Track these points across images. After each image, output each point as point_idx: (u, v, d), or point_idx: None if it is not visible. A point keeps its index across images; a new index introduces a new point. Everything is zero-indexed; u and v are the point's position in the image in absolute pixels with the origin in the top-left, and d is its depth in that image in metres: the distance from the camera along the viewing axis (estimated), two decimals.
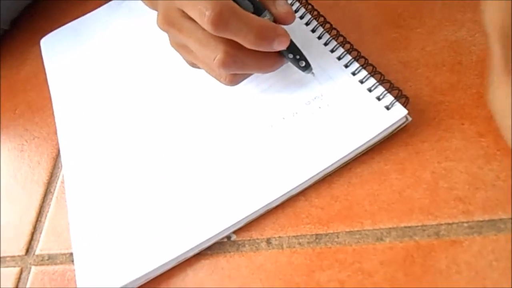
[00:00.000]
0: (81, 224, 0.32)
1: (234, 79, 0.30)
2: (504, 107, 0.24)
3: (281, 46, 0.28)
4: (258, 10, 0.28)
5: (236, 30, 0.27)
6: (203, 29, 0.27)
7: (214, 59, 0.28)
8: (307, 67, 0.30)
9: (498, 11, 0.23)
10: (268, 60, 0.29)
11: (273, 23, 0.28)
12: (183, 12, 0.28)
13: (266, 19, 0.28)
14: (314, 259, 0.27)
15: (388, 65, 0.31)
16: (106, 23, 0.41)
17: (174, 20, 0.29)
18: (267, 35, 0.27)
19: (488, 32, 0.24)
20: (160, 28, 0.30)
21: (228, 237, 0.29)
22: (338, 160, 0.28)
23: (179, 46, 0.31)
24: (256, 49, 0.28)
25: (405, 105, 0.28)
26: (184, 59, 0.33)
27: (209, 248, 0.29)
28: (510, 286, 0.22)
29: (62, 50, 0.45)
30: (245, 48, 0.28)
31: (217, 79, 0.30)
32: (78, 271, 0.30)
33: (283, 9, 0.29)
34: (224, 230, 0.28)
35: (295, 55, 0.29)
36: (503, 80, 0.24)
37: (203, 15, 0.26)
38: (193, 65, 0.33)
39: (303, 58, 0.30)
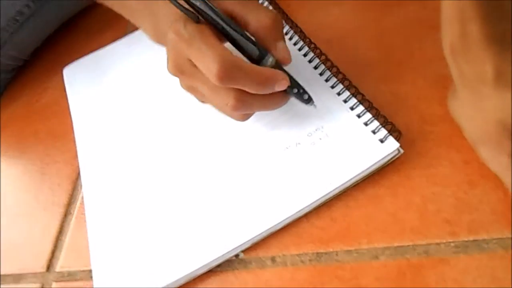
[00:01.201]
0: (100, 243, 0.35)
1: (245, 117, 0.34)
2: (462, 111, 0.29)
3: (282, 88, 0.31)
4: (262, 54, 0.31)
5: (240, 81, 0.30)
6: None
7: (226, 105, 0.31)
8: (309, 101, 0.33)
9: (445, 34, 0.27)
10: (274, 99, 0.32)
11: (273, 70, 0.31)
12: (192, 61, 0.31)
13: (266, 68, 0.31)
14: (315, 275, 0.29)
15: (382, 98, 0.34)
16: (126, 54, 0.44)
17: (184, 68, 0.31)
18: (267, 82, 0.30)
19: (444, 52, 0.28)
20: (171, 74, 0.33)
21: (237, 255, 0.32)
22: (337, 188, 0.31)
23: (191, 89, 0.34)
24: (260, 93, 0.31)
25: (397, 139, 0.31)
26: (197, 98, 0.36)
27: (218, 265, 0.32)
28: None
29: (84, 79, 0.49)
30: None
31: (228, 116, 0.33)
32: (96, 286, 0.32)
33: (283, 52, 0.32)
34: (233, 249, 0.31)
35: (298, 90, 0.33)
36: (459, 89, 0.28)
37: (209, 70, 0.29)
38: (206, 103, 0.36)
39: (305, 92, 0.33)
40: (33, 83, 0.56)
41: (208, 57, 0.29)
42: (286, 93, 0.32)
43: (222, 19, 0.31)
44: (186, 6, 0.30)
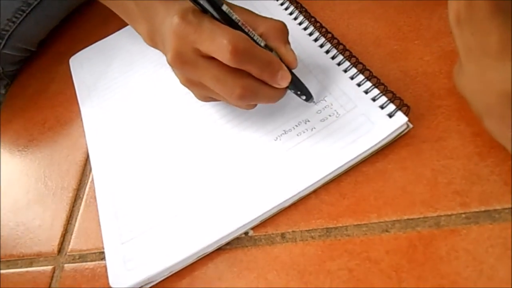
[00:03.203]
0: (111, 224, 0.35)
1: (250, 107, 0.34)
2: (467, 84, 0.28)
3: (283, 81, 0.31)
4: (267, 48, 0.31)
5: (252, 60, 0.30)
6: (219, 66, 0.30)
7: (232, 94, 0.31)
8: (308, 99, 0.34)
9: (451, 4, 0.27)
10: (277, 90, 0.32)
11: (278, 59, 0.31)
12: (197, 49, 0.30)
13: (274, 54, 0.31)
14: (325, 250, 0.29)
15: (390, 74, 0.34)
16: (131, 43, 0.45)
17: (187, 59, 0.31)
18: (274, 66, 0.30)
19: (450, 22, 0.27)
20: (172, 66, 0.32)
21: (246, 232, 0.32)
22: (346, 163, 0.30)
23: (192, 83, 0.34)
24: (263, 79, 0.31)
25: (406, 113, 0.31)
26: (196, 94, 0.35)
27: (228, 243, 0.32)
28: (505, 270, 0.24)
29: (90, 68, 0.49)
30: (258, 82, 0.31)
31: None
32: (109, 266, 0.33)
33: (290, 55, 0.32)
34: (242, 226, 0.31)
35: (297, 91, 0.33)
36: (464, 62, 0.28)
37: (222, 48, 0.29)
38: (206, 99, 0.36)
39: (304, 92, 0.33)
40: (40, 73, 0.56)
41: (220, 35, 0.29)
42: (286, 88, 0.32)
43: (232, 18, 0.30)
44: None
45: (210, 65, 0.30)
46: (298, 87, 0.33)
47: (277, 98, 0.33)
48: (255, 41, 0.30)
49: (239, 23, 0.30)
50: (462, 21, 0.27)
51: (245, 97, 0.31)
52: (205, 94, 0.34)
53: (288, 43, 0.32)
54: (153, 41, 0.35)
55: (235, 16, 0.30)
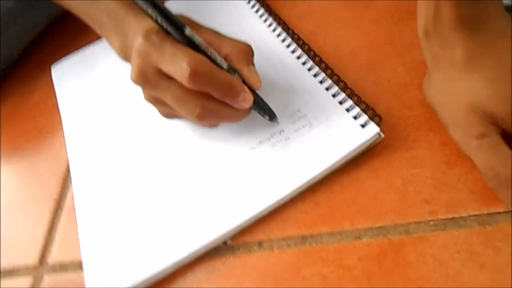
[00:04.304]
0: (89, 235, 0.35)
1: (212, 125, 0.35)
2: (434, 95, 0.30)
3: (245, 102, 0.32)
4: (230, 70, 0.32)
5: (211, 83, 0.30)
6: (180, 86, 0.31)
7: (192, 114, 0.31)
8: (271, 119, 0.34)
9: (420, 17, 0.29)
10: (238, 111, 0.33)
11: (240, 82, 0.32)
12: (159, 69, 0.31)
13: (236, 76, 0.32)
14: (300, 258, 0.30)
15: (364, 86, 0.35)
16: (112, 52, 0.44)
17: (149, 77, 0.31)
18: (235, 89, 0.31)
19: (418, 35, 0.29)
20: (135, 83, 0.33)
21: (224, 242, 0.32)
22: (320, 173, 0.31)
23: (155, 101, 0.34)
24: (225, 101, 0.31)
25: (378, 123, 0.32)
26: (160, 111, 0.36)
27: (207, 252, 0.32)
28: (469, 274, 0.25)
29: (72, 76, 0.49)
30: (219, 103, 0.32)
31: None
32: (87, 276, 0.33)
33: (253, 76, 0.33)
34: (220, 236, 0.31)
35: (260, 111, 0.34)
36: (432, 73, 0.30)
37: (180, 71, 0.29)
38: (169, 116, 0.36)
39: (267, 112, 0.34)
40: (22, 83, 0.56)
41: (180, 58, 0.29)
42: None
43: (195, 41, 0.31)
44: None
45: (171, 84, 0.31)
46: (262, 107, 0.34)
47: (239, 118, 0.34)
48: (217, 63, 0.31)
49: (202, 47, 0.31)
50: (429, 34, 0.29)
51: (205, 117, 0.32)
52: (167, 111, 0.35)
53: (252, 64, 0.33)
54: (126, 55, 0.36)
55: (198, 40, 0.31)
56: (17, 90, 0.55)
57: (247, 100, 0.32)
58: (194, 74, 0.29)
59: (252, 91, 0.32)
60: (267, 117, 0.34)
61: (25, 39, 0.58)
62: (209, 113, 0.32)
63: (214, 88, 0.31)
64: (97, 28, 0.39)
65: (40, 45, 0.59)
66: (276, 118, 0.35)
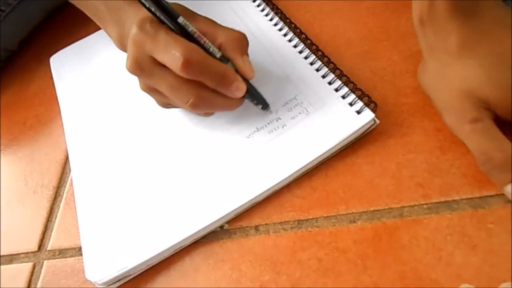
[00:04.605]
0: (88, 220, 0.36)
1: (207, 114, 0.35)
2: (429, 81, 0.30)
3: (238, 91, 0.32)
4: (223, 59, 0.32)
5: (204, 72, 0.30)
6: (174, 75, 0.31)
7: (186, 103, 0.32)
8: (264, 108, 0.35)
9: (414, 6, 0.29)
10: (232, 100, 0.33)
11: (233, 71, 0.32)
12: (154, 58, 0.31)
13: (229, 66, 0.32)
14: (296, 241, 0.30)
15: (360, 74, 0.36)
16: (111, 41, 0.45)
17: (144, 66, 0.32)
18: (228, 78, 0.31)
19: (413, 23, 0.30)
20: (130, 73, 0.33)
21: (221, 226, 0.33)
22: (316, 158, 0.32)
23: (150, 90, 0.35)
24: (218, 90, 0.32)
25: (373, 110, 0.32)
26: (156, 100, 0.36)
27: (204, 236, 0.33)
28: (462, 256, 0.26)
29: (70, 66, 0.49)
30: (213, 92, 0.32)
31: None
32: (86, 260, 0.33)
33: (247, 66, 0.33)
34: (217, 220, 0.32)
35: (253, 100, 0.34)
36: (426, 60, 0.30)
37: (174, 60, 0.29)
38: (165, 105, 0.37)
39: (260, 102, 0.34)
40: (21, 73, 0.56)
41: (173, 47, 0.30)
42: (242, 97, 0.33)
43: (188, 30, 0.31)
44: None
45: (165, 73, 0.31)
46: (255, 96, 0.34)
47: (233, 107, 0.34)
48: (210, 52, 0.31)
49: (195, 35, 0.31)
50: (424, 22, 0.29)
51: (199, 106, 0.32)
52: (163, 101, 0.35)
53: (246, 54, 0.33)
54: (123, 45, 0.36)
55: (191, 28, 0.31)
56: (16, 80, 0.56)
57: (240, 89, 0.32)
58: (187, 63, 0.29)
59: (246, 80, 0.33)
60: (260, 106, 0.35)
61: (23, 30, 0.58)
62: (202, 102, 0.32)
63: (207, 77, 0.31)
64: (95, 18, 0.40)
65: (39, 36, 0.59)
66: (269, 107, 0.35)
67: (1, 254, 0.39)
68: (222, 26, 0.34)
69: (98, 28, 0.52)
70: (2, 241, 0.40)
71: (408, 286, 0.26)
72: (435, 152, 0.30)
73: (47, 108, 0.50)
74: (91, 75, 0.48)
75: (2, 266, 0.39)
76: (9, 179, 0.45)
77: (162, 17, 0.30)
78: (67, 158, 0.43)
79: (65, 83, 0.49)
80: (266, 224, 0.32)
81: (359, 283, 0.27)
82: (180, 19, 0.30)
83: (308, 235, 0.30)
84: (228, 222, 0.33)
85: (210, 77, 0.31)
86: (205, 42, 0.31)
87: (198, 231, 0.32)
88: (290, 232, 0.31)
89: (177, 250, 0.32)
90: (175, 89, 0.32)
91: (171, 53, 0.30)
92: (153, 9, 0.30)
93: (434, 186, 0.29)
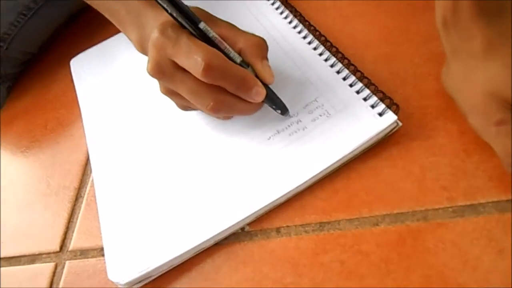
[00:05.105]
0: (110, 221, 0.36)
1: (226, 118, 0.36)
2: (453, 84, 0.30)
3: (258, 96, 0.32)
4: (243, 64, 0.32)
5: (225, 78, 0.31)
6: (194, 79, 0.31)
7: (207, 107, 0.32)
8: (283, 113, 0.35)
9: (438, 8, 0.29)
10: (251, 104, 0.33)
11: (254, 76, 0.32)
12: (175, 62, 0.31)
13: (249, 70, 0.32)
14: (318, 244, 0.30)
15: (381, 76, 0.36)
16: (130, 45, 0.46)
17: (165, 70, 0.32)
18: (248, 83, 0.32)
19: (437, 25, 0.29)
20: (151, 76, 0.33)
21: (242, 228, 0.33)
22: (338, 161, 0.32)
23: (170, 93, 0.35)
24: (238, 94, 0.32)
25: (396, 112, 0.32)
26: (176, 103, 0.37)
27: (225, 238, 0.33)
28: (489, 260, 0.26)
29: (91, 69, 0.50)
30: (233, 96, 0.32)
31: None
32: (108, 261, 0.34)
33: (267, 71, 0.33)
34: (239, 222, 0.32)
35: (272, 105, 0.34)
36: (450, 63, 0.30)
37: (195, 64, 0.30)
38: (185, 108, 0.37)
39: (279, 107, 0.34)
40: (41, 76, 0.57)
41: (195, 52, 0.30)
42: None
43: (209, 35, 0.31)
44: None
45: (186, 77, 0.31)
46: (274, 101, 0.34)
47: (252, 112, 0.34)
48: (231, 58, 0.31)
49: (216, 41, 0.31)
50: (448, 24, 0.29)
51: (219, 110, 0.33)
52: (183, 104, 0.36)
53: (266, 58, 0.33)
54: (143, 48, 0.36)
55: (212, 34, 0.31)
56: (37, 83, 0.57)
57: (260, 94, 0.32)
58: (208, 68, 0.30)
59: (265, 85, 0.33)
60: (279, 111, 0.35)
61: (44, 34, 0.59)
62: (222, 106, 0.32)
63: (227, 82, 0.31)
64: (115, 22, 0.40)
65: (59, 39, 0.60)
66: (288, 112, 0.35)
67: (24, 254, 0.40)
68: (242, 31, 0.34)
69: (118, 31, 0.53)
70: (24, 241, 0.41)
71: None
72: (460, 154, 0.30)
73: (68, 110, 0.50)
74: (111, 77, 0.48)
75: (24, 266, 0.39)
76: (31, 180, 0.46)
77: (183, 22, 0.31)
78: (88, 159, 0.44)
79: (86, 86, 0.49)
80: (287, 226, 0.32)
81: (383, 286, 0.27)
82: (201, 25, 0.31)
83: (330, 237, 0.30)
84: (249, 224, 0.33)
85: (230, 82, 0.31)
86: (225, 47, 0.32)
87: (220, 232, 0.32)
88: (312, 234, 0.31)
89: (199, 252, 0.33)
90: (195, 93, 0.32)
91: (193, 58, 0.30)
92: (174, 14, 0.30)
93: (459, 189, 0.29)
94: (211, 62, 0.30)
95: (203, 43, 0.31)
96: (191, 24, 0.31)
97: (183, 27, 0.31)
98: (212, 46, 0.31)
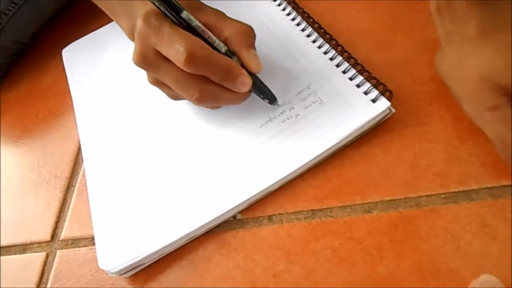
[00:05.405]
0: (101, 210, 0.36)
1: (214, 107, 0.35)
2: (447, 70, 0.30)
3: (244, 86, 0.31)
4: (229, 54, 0.32)
5: (208, 67, 0.30)
6: (178, 69, 0.30)
7: (192, 97, 0.32)
8: (271, 102, 0.34)
9: None
10: (237, 94, 0.32)
11: (239, 65, 0.31)
12: (158, 52, 0.31)
13: (234, 60, 0.31)
14: (310, 231, 0.30)
15: (375, 63, 0.35)
16: (123, 34, 0.45)
17: (150, 59, 0.31)
18: (233, 72, 0.31)
19: (431, 12, 0.29)
20: (136, 66, 0.32)
21: (234, 216, 0.33)
22: (330, 148, 0.31)
23: (158, 83, 0.34)
24: (223, 84, 0.31)
25: (389, 98, 0.32)
26: (165, 93, 0.36)
27: (217, 226, 0.32)
28: (481, 246, 0.25)
29: (82, 59, 0.50)
30: (218, 86, 0.31)
31: None
32: (99, 249, 0.33)
33: (253, 59, 0.32)
34: (230, 209, 0.32)
35: (260, 94, 0.34)
36: (444, 49, 0.29)
37: (177, 54, 0.29)
38: (174, 98, 0.36)
39: (267, 96, 0.34)
40: (33, 66, 0.57)
41: (177, 42, 0.29)
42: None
43: (192, 24, 0.30)
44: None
45: (170, 67, 0.31)
46: (261, 90, 0.34)
47: (239, 101, 0.34)
48: (215, 47, 0.31)
49: (199, 30, 0.30)
50: (442, 9, 0.29)
51: (204, 100, 0.32)
52: (171, 93, 0.35)
53: (253, 47, 0.32)
54: (133, 37, 0.36)
55: (195, 23, 0.30)
56: (29, 73, 0.56)
57: (246, 84, 0.31)
58: (191, 58, 0.29)
59: (252, 74, 0.32)
60: (267, 101, 0.34)
61: (35, 23, 0.58)
62: (207, 96, 0.32)
63: (211, 72, 0.31)
64: (107, 11, 0.40)
65: (51, 29, 0.60)
66: (277, 101, 0.34)
67: (15, 243, 0.40)
68: (230, 19, 0.33)
69: (110, 21, 0.52)
70: (16, 231, 0.40)
71: (426, 276, 0.25)
72: (453, 141, 0.30)
73: (59, 100, 0.50)
74: (103, 67, 0.48)
75: (15, 256, 0.39)
76: (22, 170, 0.45)
77: (166, 11, 0.30)
78: (79, 149, 0.43)
79: (77, 75, 0.49)
80: (279, 214, 0.31)
81: (375, 273, 0.27)
82: (184, 13, 0.30)
83: (322, 225, 0.30)
84: (241, 212, 0.32)
85: (214, 71, 0.31)
86: (209, 36, 0.31)
87: (211, 220, 0.32)
88: (303, 222, 0.30)
89: (190, 240, 0.32)
90: (180, 83, 0.31)
91: (175, 47, 0.29)
92: (156, 3, 0.29)
93: (452, 176, 0.28)
94: (193, 51, 0.29)
95: (186, 32, 0.30)
96: (174, 13, 0.30)
97: (167, 16, 0.31)
98: (196, 35, 0.30)
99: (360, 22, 0.39)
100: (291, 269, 0.29)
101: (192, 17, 0.30)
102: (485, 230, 0.26)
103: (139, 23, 0.31)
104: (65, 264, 0.36)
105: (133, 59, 0.32)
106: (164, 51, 0.30)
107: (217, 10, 0.33)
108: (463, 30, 0.28)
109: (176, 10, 0.30)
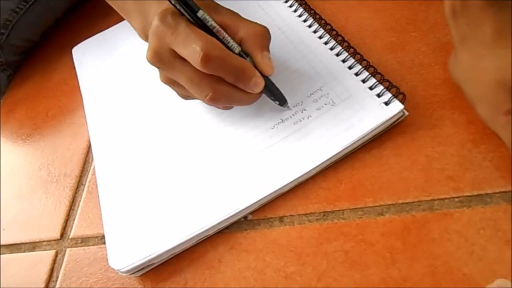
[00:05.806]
0: (111, 208, 0.36)
1: (226, 108, 0.35)
2: (461, 73, 0.29)
3: (257, 87, 0.32)
4: (242, 54, 0.32)
5: (223, 67, 0.30)
6: (194, 69, 0.30)
7: (205, 97, 0.32)
8: (282, 104, 0.34)
9: None
10: (250, 95, 0.33)
11: (252, 67, 0.32)
12: (174, 51, 0.31)
13: (248, 61, 0.32)
14: (322, 233, 0.30)
15: (387, 65, 0.35)
16: (132, 32, 0.45)
17: (164, 58, 0.31)
18: (247, 73, 0.31)
19: (445, 14, 0.29)
20: (150, 64, 0.32)
21: (245, 217, 0.32)
22: (342, 150, 0.31)
23: (170, 82, 0.34)
24: (236, 85, 0.31)
25: (402, 101, 0.31)
26: (177, 92, 0.36)
27: (228, 227, 0.32)
28: (495, 251, 0.25)
29: (92, 57, 0.50)
30: (231, 87, 0.32)
31: None
32: (109, 248, 0.33)
33: (266, 62, 0.32)
34: (241, 210, 0.32)
35: (271, 96, 0.34)
36: (458, 52, 0.29)
37: (194, 54, 0.29)
38: (186, 97, 0.36)
39: (278, 98, 0.34)
40: (43, 64, 0.57)
41: (193, 41, 0.29)
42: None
43: (207, 24, 0.30)
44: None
45: (185, 67, 0.31)
46: (272, 92, 0.34)
47: (251, 102, 0.34)
48: (229, 47, 0.31)
49: (214, 30, 0.31)
50: (457, 12, 0.28)
51: (217, 100, 0.32)
52: (183, 93, 0.35)
53: (267, 49, 0.33)
54: (146, 36, 0.36)
55: (210, 23, 0.30)
56: (39, 71, 0.56)
57: (258, 85, 0.32)
58: (206, 58, 0.29)
59: (264, 76, 0.32)
60: (277, 103, 0.34)
61: (46, 21, 0.59)
62: (221, 96, 0.32)
63: (225, 72, 0.31)
64: (119, 9, 0.40)
65: (61, 27, 0.60)
66: (287, 103, 0.34)
67: (24, 241, 0.40)
68: (245, 20, 0.33)
69: (120, 20, 0.53)
70: (25, 228, 0.41)
71: (439, 280, 0.25)
72: (466, 144, 0.29)
73: (69, 98, 0.50)
74: (113, 66, 0.48)
75: (24, 254, 0.39)
76: (32, 168, 0.45)
77: (182, 10, 0.30)
78: (89, 147, 0.43)
79: (87, 74, 0.49)
80: (291, 215, 0.31)
81: (387, 276, 0.27)
82: (200, 13, 0.30)
83: (334, 227, 0.30)
84: (252, 213, 0.32)
85: (228, 72, 0.31)
86: (224, 36, 0.31)
87: (222, 221, 0.32)
88: (315, 223, 0.30)
89: (201, 240, 0.32)
90: (194, 82, 0.32)
91: (191, 47, 0.29)
92: (173, 2, 0.30)
93: (466, 179, 0.28)
94: (209, 51, 0.29)
95: (202, 32, 0.30)
96: (190, 12, 0.30)
97: (183, 15, 0.31)
98: (211, 35, 0.30)
99: (372, 23, 0.39)
100: (302, 271, 0.29)
101: (207, 17, 0.30)
102: (499, 235, 0.26)
103: (155, 21, 0.31)
104: (74, 262, 0.36)
105: (147, 57, 0.32)
106: (180, 50, 0.30)
107: (232, 11, 0.33)
108: (478, 32, 0.28)
109: (193, 9, 0.30)
